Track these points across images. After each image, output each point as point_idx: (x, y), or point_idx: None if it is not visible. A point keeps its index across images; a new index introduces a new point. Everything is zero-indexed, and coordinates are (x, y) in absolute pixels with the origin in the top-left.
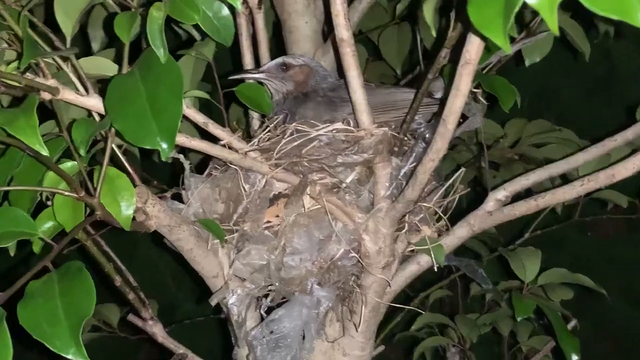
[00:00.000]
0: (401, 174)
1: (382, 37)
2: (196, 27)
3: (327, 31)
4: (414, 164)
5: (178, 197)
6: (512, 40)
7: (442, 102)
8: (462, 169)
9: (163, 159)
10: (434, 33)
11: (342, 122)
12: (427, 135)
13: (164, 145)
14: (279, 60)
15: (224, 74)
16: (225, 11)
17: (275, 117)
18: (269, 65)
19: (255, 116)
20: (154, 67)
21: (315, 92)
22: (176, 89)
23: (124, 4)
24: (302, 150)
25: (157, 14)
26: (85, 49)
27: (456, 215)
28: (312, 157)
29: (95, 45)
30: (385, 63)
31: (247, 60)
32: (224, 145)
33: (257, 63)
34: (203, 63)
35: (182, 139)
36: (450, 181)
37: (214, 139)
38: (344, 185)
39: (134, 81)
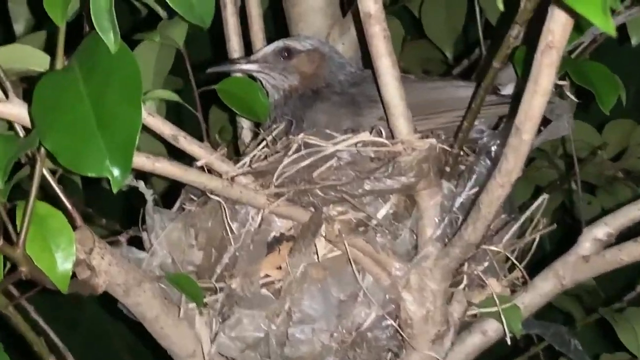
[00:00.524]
0: (456, 204)
1: (425, 6)
2: (161, 0)
3: (347, 1)
4: (475, 190)
5: (137, 242)
6: (613, 12)
7: (514, 100)
8: (545, 195)
9: (115, 189)
10: (500, 4)
11: (370, 132)
12: (493, 149)
13: (116, 172)
14: (279, 44)
15: (201, 64)
16: None
17: (275, 125)
18: (265, 52)
19: (245, 125)
20: (101, 60)
21: (330, 89)
22: (132, 89)
23: None
24: (314, 173)
25: None
26: (4, 34)
27: (537, 263)
28: (327, 183)
29: (18, 28)
30: (430, 43)
31: (234, 46)
32: (201, 168)
33: (248, 49)
34: (171, 51)
35: (141, 161)
36: (528, 213)
37: (187, 159)
38: (374, 222)
39: (73, 80)
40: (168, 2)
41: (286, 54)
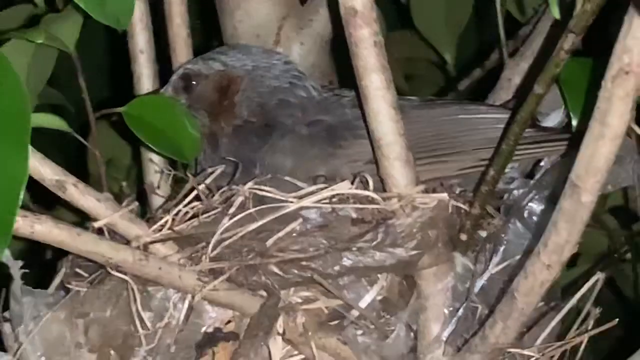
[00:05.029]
0: (476, 289)
1: None
2: None
3: None
4: (502, 266)
5: None
6: None
7: (565, 138)
8: (599, 275)
9: None
10: (555, 11)
11: (352, 181)
12: (529, 206)
13: None
14: (179, 70)
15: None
16: None
17: (210, 169)
18: (170, 81)
19: (156, 163)
20: None
21: (281, 117)
22: (14, 121)
23: None
24: (268, 242)
25: None
26: None
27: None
28: (288, 256)
29: None
30: (418, 36)
31: (140, 45)
32: (99, 231)
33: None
34: (51, 54)
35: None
36: (574, 300)
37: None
38: (354, 314)
39: None
40: None
41: (187, 84)
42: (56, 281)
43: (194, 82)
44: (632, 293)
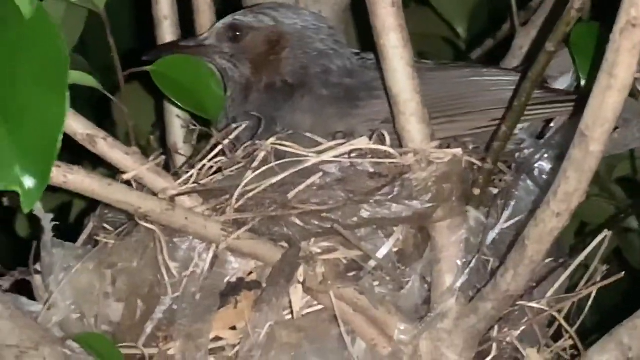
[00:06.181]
0: (487, 241)
1: None
2: None
3: None
4: (513, 222)
5: (27, 288)
6: None
7: (574, 99)
8: (606, 233)
9: (26, 208)
10: None
11: (370, 137)
12: (539, 164)
13: (29, 182)
14: (226, 20)
15: (123, 35)
16: None
17: (234, 125)
18: (214, 30)
19: (180, 118)
20: (8, 29)
21: (313, 80)
22: (55, 70)
23: None
24: (289, 194)
25: None
26: None
27: (593, 326)
28: (308, 208)
29: None
30: (432, 13)
31: (163, 10)
32: (127, 184)
33: (186, 23)
34: (81, 15)
35: (54, 172)
36: (582, 257)
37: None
38: (371, 264)
39: None
40: None
41: (234, 34)
42: (84, 235)
43: (241, 33)
44: (638, 263)
